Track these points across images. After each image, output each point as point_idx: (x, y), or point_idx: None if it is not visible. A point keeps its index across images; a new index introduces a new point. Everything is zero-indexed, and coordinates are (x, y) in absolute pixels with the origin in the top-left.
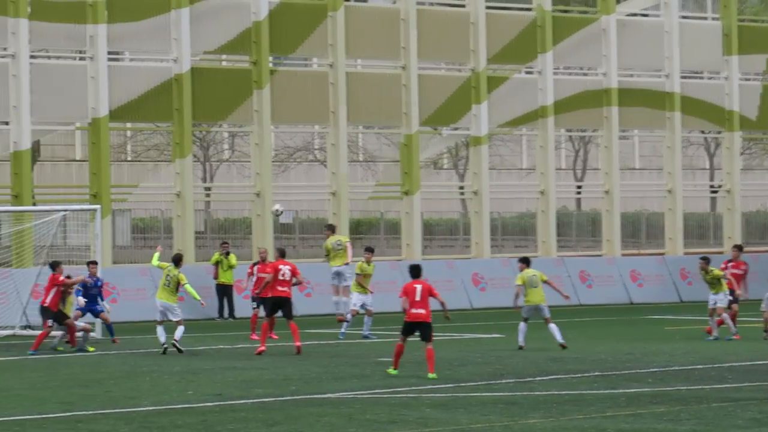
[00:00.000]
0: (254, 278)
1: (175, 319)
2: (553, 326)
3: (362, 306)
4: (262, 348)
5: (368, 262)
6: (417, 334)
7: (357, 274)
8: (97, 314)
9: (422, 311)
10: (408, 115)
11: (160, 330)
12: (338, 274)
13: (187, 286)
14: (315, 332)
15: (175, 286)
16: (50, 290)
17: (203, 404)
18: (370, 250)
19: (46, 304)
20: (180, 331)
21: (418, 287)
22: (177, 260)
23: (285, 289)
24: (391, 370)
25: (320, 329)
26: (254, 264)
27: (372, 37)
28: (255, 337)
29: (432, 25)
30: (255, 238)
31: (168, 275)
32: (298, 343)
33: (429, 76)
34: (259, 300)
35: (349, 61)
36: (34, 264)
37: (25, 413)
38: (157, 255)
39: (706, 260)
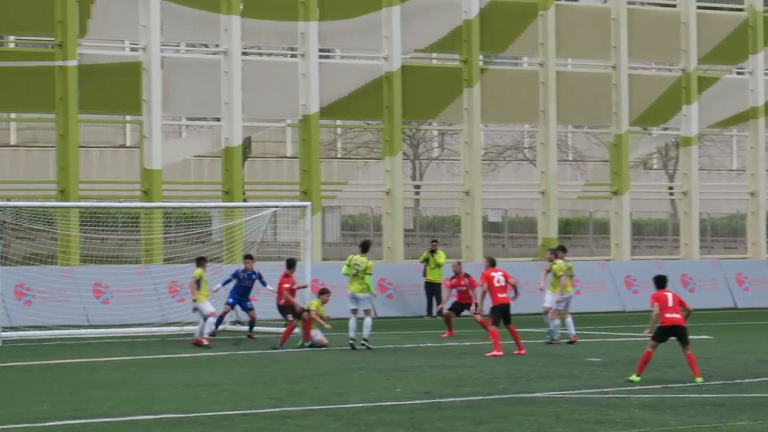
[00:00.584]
0: (455, 291)
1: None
2: None
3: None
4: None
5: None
6: (672, 339)
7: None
8: (247, 310)
9: (677, 315)
10: (618, 115)
11: (351, 321)
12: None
13: (367, 278)
14: (521, 331)
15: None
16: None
17: (411, 402)
18: (562, 249)
19: (281, 302)
20: (367, 322)
21: (669, 295)
22: (365, 247)
23: (504, 295)
24: (634, 377)
25: (527, 328)
26: (451, 278)
27: (582, 37)
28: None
29: (642, 24)
30: (463, 237)
31: (356, 264)
32: (523, 351)
33: (639, 76)
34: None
35: (560, 60)
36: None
37: (234, 408)
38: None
39: None
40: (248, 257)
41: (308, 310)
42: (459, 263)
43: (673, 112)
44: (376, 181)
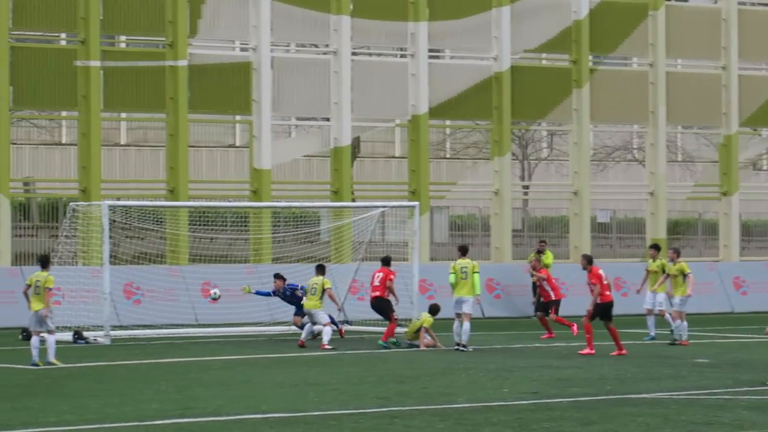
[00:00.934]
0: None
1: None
2: None
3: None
4: (590, 351)
5: (654, 258)
6: None
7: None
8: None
9: None
10: (728, 116)
11: (455, 326)
12: None
13: (476, 276)
14: (630, 332)
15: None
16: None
17: (518, 402)
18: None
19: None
20: (466, 327)
21: None
22: (464, 250)
23: (609, 292)
24: None
25: (634, 329)
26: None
27: (692, 37)
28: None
29: (753, 25)
30: (572, 237)
31: (463, 267)
32: (623, 351)
33: (749, 77)
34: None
35: (669, 60)
36: (352, 260)
37: (341, 408)
38: None
39: None
40: (277, 276)
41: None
42: (538, 260)
43: None
44: (484, 181)
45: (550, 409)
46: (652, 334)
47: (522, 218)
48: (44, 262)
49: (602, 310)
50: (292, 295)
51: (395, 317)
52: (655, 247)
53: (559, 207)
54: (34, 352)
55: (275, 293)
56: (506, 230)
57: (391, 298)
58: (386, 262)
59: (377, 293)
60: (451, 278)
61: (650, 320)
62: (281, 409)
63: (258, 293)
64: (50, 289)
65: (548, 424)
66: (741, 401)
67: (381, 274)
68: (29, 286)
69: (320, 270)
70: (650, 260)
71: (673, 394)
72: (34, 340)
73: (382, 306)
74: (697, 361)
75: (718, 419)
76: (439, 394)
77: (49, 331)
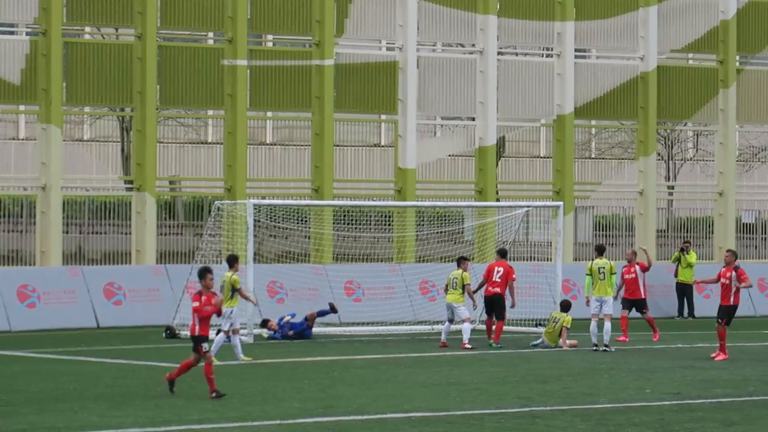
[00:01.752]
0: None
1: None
2: None
3: None
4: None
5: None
6: None
7: None
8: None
9: None
10: None
11: (592, 326)
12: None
13: (613, 278)
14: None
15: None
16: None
17: (660, 403)
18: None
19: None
20: (607, 327)
21: None
22: (601, 251)
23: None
24: None
25: None
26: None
27: None
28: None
29: None
30: (716, 238)
31: (601, 267)
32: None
33: None
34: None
35: None
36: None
37: (483, 407)
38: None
39: None
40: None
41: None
42: (634, 252)
43: None
44: (629, 181)
45: (692, 410)
46: None
47: (666, 219)
48: (231, 262)
49: (727, 313)
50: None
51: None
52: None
53: (704, 207)
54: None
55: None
56: (651, 230)
57: (508, 296)
58: (503, 254)
59: (497, 290)
60: (587, 280)
61: None
62: (423, 409)
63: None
64: (237, 289)
65: (690, 425)
66: None
67: (502, 270)
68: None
69: (461, 263)
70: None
71: None
72: (233, 339)
73: (500, 303)
74: None
75: None
76: (581, 394)
77: (230, 331)
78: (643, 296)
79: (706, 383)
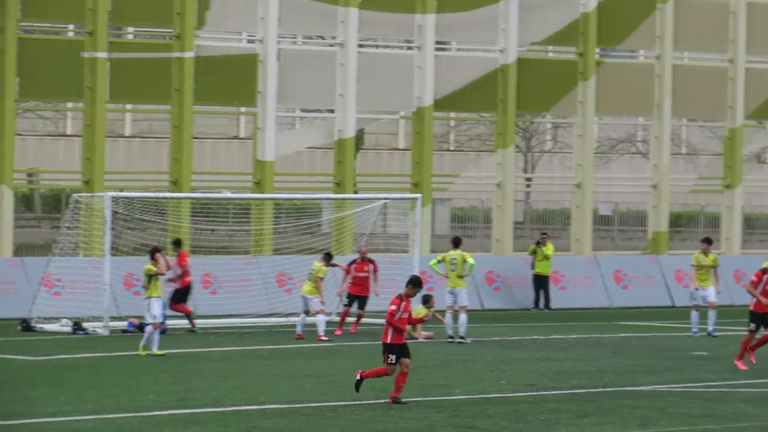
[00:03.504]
0: (350, 277)
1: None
2: None
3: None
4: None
5: (705, 253)
6: None
7: (693, 266)
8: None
9: None
10: (733, 109)
11: (448, 318)
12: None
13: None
14: (631, 324)
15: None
16: None
17: (515, 394)
18: (707, 241)
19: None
20: (462, 319)
21: None
22: (457, 242)
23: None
24: None
25: (636, 321)
26: (351, 263)
27: (700, 30)
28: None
29: (761, 18)
30: (573, 229)
31: (453, 259)
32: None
33: (756, 70)
34: (351, 297)
35: (676, 53)
36: (352, 251)
37: (338, 399)
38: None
39: None
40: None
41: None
42: (366, 249)
43: None
44: (487, 173)
45: (547, 401)
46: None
47: (524, 210)
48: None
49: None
50: None
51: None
52: (707, 241)
53: (562, 199)
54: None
55: None
56: (507, 222)
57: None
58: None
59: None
60: (433, 263)
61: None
62: (278, 401)
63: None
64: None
65: (545, 417)
66: (739, 394)
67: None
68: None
69: (326, 258)
70: (701, 254)
71: (671, 387)
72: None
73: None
74: (696, 354)
75: (716, 412)
76: (436, 386)
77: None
78: (368, 294)
79: (561, 375)
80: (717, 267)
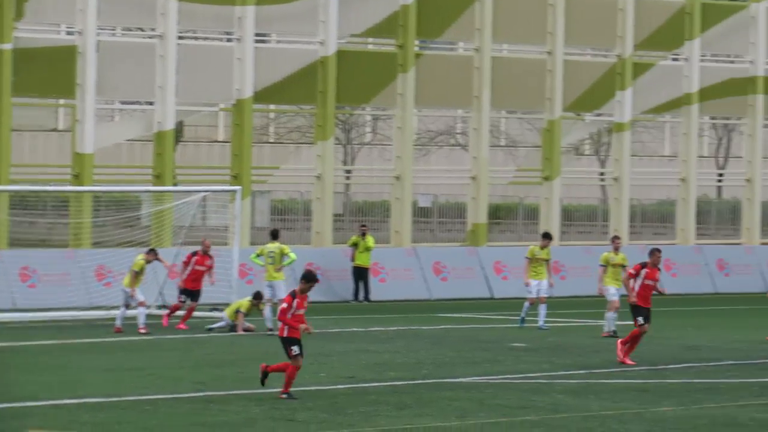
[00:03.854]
0: (189, 269)
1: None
2: None
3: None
4: None
5: (616, 251)
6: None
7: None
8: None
9: None
10: (551, 101)
11: (267, 311)
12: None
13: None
14: (450, 316)
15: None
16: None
17: (335, 386)
18: (547, 236)
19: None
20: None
21: None
22: (275, 234)
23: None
24: None
25: (455, 313)
26: (192, 254)
27: (519, 22)
28: (183, 326)
29: (579, 10)
30: (393, 221)
31: (270, 252)
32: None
33: (574, 62)
34: (186, 292)
35: (495, 45)
36: (172, 244)
37: (158, 392)
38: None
39: None
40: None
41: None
42: (209, 242)
43: (607, 98)
44: (307, 165)
45: (367, 393)
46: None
47: (344, 203)
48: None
49: None
50: None
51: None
52: (547, 236)
53: (381, 191)
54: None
55: None
56: (327, 215)
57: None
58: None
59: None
60: (252, 257)
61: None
62: (97, 394)
63: None
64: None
65: (364, 408)
66: (556, 385)
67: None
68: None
69: (150, 253)
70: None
71: (490, 379)
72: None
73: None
74: (514, 346)
75: (533, 403)
76: (256, 378)
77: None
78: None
79: (380, 367)
80: (550, 260)
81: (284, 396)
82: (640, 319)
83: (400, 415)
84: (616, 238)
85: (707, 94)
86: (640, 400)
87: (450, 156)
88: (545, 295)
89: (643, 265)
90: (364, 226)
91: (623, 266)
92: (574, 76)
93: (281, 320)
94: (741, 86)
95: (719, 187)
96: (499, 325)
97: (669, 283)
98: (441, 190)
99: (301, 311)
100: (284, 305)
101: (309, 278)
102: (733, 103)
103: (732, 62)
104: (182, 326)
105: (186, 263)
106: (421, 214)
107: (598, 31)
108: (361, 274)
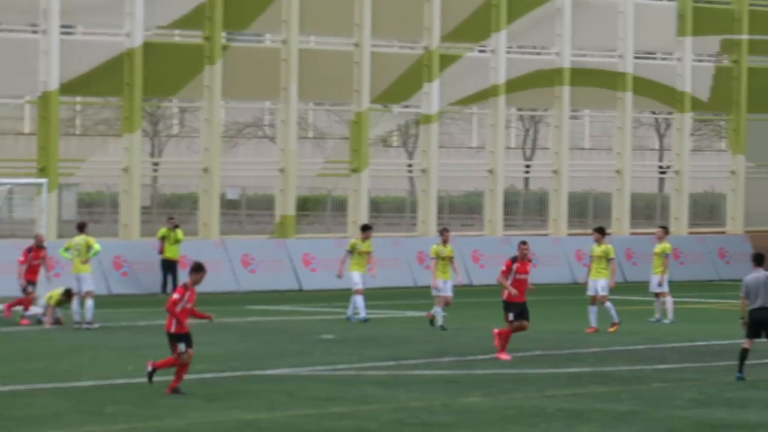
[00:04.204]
0: (27, 265)
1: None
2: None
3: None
4: None
5: (445, 243)
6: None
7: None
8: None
9: None
10: (359, 93)
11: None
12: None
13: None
14: (259, 309)
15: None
16: None
17: (143, 380)
18: (446, 231)
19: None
20: (89, 304)
21: None
22: (81, 227)
23: None
24: None
25: (264, 306)
26: (28, 250)
27: (326, 14)
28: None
29: (386, 2)
30: (201, 214)
31: (77, 245)
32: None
33: (381, 54)
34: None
35: (302, 37)
36: None
37: None
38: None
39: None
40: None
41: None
42: (42, 237)
43: (415, 90)
44: (114, 158)
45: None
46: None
47: (151, 195)
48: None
49: None
50: None
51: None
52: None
53: (189, 184)
54: None
55: None
56: (135, 207)
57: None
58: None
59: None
60: (61, 251)
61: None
62: None
63: None
64: None
65: (172, 401)
66: (365, 377)
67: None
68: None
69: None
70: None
71: (299, 371)
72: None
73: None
74: (324, 338)
75: (342, 395)
76: (64, 372)
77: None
78: None
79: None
80: (453, 257)
81: (173, 392)
82: (511, 316)
83: (210, 407)
84: (444, 230)
85: (514, 85)
86: (449, 391)
87: (258, 148)
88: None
89: (513, 260)
90: (172, 218)
91: (451, 258)
92: (382, 67)
93: (171, 312)
94: (547, 78)
95: (526, 179)
96: (309, 317)
97: (477, 274)
98: (249, 182)
99: (190, 305)
100: (176, 296)
101: (198, 269)
102: (540, 95)
103: (538, 54)
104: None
105: (23, 261)
106: (229, 206)
107: (405, 23)
108: (169, 267)
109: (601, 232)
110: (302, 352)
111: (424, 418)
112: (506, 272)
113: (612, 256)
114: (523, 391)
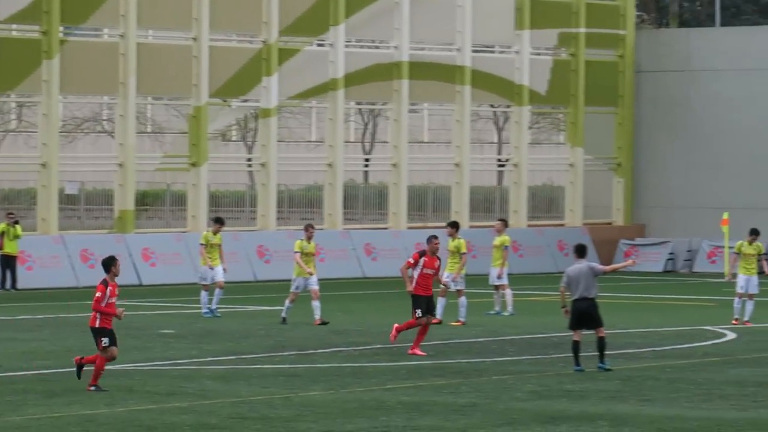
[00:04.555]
0: None
1: None
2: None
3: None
4: None
5: (309, 239)
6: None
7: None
8: None
9: None
10: (198, 87)
11: None
12: None
13: None
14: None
15: None
16: None
17: None
18: (310, 227)
19: None
20: None
21: None
22: None
23: None
24: None
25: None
26: None
27: (164, 8)
28: None
29: None
30: (39, 209)
31: None
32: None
33: (220, 48)
34: None
35: (140, 31)
36: None
37: None
38: None
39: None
40: None
41: None
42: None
43: (253, 84)
44: None
45: (14, 382)
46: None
47: None
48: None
49: None
50: None
51: None
52: (454, 225)
53: (27, 179)
54: None
55: None
56: None
57: None
58: None
59: None
60: None
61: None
62: None
63: None
64: None
65: (12, 398)
66: (206, 371)
67: None
68: None
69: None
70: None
71: (139, 366)
72: None
73: None
74: (163, 332)
75: (183, 389)
76: None
77: None
78: None
79: (28, 355)
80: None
81: (92, 389)
82: (419, 312)
83: (49, 403)
84: (309, 226)
85: (353, 79)
86: (290, 384)
87: (96, 143)
88: (222, 280)
89: (422, 254)
90: (12, 214)
91: (313, 254)
92: (220, 62)
93: (96, 310)
94: (386, 71)
95: (366, 172)
96: (148, 312)
97: (318, 267)
98: (88, 177)
99: (114, 299)
100: (98, 294)
101: (111, 262)
102: (379, 88)
103: (377, 48)
104: None
105: None
106: (68, 201)
107: (244, 17)
108: (8, 263)
109: (454, 226)
110: (142, 347)
111: (264, 412)
112: (412, 264)
113: (464, 250)
114: (363, 385)
